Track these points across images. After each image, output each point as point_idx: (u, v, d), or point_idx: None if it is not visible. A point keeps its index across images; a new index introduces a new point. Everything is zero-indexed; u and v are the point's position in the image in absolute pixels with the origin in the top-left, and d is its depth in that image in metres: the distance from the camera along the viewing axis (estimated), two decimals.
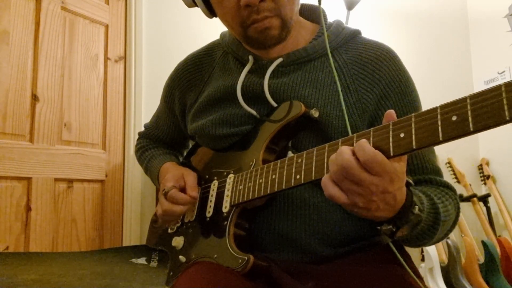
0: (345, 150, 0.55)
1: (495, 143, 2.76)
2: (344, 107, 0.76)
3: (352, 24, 0.91)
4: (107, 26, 2.13)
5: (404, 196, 0.59)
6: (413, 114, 0.53)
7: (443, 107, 0.50)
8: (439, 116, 0.50)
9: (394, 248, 0.74)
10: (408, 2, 2.91)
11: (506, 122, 0.45)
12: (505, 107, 0.44)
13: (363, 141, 0.55)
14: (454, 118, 0.48)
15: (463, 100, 0.48)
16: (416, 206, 0.61)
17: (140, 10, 2.21)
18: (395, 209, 0.58)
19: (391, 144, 0.54)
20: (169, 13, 2.30)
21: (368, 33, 0.88)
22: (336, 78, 0.77)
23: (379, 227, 0.61)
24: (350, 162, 0.54)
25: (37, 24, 1.84)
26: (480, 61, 2.91)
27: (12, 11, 1.75)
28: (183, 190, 0.85)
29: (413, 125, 0.52)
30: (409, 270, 0.71)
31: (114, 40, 2.16)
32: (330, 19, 0.89)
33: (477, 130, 0.47)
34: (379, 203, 0.56)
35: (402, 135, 0.53)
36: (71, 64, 1.96)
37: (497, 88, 0.45)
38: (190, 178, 0.86)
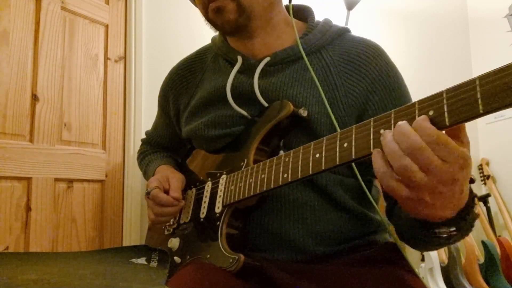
0: (409, 129, 0.45)
1: (495, 143, 2.75)
2: (326, 103, 0.76)
3: (352, 24, 0.91)
4: (107, 26, 2.13)
5: (468, 191, 0.50)
6: (392, 110, 0.52)
7: (420, 102, 0.50)
8: (417, 112, 0.49)
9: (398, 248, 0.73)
10: (408, 2, 2.91)
11: (480, 115, 0.44)
12: (479, 101, 0.44)
13: (423, 118, 0.46)
14: (431, 113, 0.48)
15: (440, 94, 0.48)
16: (475, 204, 0.53)
17: (140, 10, 2.21)
18: (459, 206, 0.49)
19: (371, 142, 0.53)
20: (169, 13, 2.30)
21: (368, 33, 0.88)
22: (313, 74, 0.78)
23: (437, 230, 0.52)
24: (420, 143, 0.44)
25: (37, 24, 1.84)
26: (480, 61, 2.91)
27: (12, 11, 1.75)
28: (167, 192, 0.85)
29: (392, 121, 0.51)
30: (414, 269, 0.70)
31: (114, 40, 2.16)
32: (331, 19, 0.89)
33: (452, 124, 0.46)
34: (445, 197, 0.46)
35: (382, 131, 0.52)
36: (71, 64, 1.96)
37: (472, 81, 0.45)
38: (174, 180, 0.87)
